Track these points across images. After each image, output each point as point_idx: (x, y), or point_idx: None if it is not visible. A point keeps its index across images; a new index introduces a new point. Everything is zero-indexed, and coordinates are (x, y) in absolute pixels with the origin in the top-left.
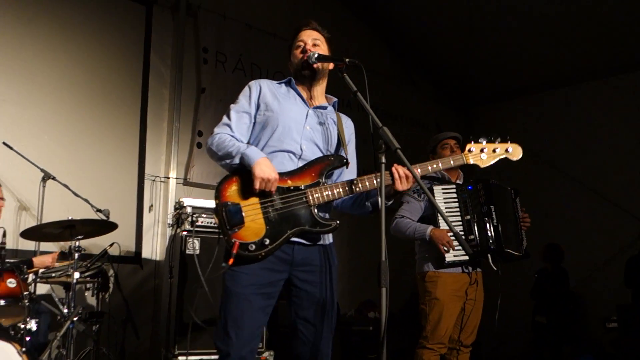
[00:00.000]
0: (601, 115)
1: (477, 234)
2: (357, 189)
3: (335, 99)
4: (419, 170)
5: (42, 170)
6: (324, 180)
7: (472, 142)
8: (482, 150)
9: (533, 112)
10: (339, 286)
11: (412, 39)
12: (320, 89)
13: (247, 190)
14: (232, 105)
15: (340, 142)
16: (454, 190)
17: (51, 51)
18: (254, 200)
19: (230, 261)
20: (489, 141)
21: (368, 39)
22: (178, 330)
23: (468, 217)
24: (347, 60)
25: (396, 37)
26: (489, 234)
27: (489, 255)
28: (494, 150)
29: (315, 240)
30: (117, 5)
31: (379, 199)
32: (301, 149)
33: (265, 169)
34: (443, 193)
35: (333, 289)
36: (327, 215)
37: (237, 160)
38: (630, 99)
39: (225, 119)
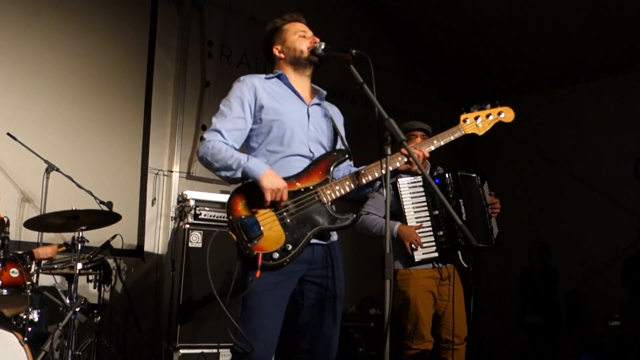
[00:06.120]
0: (604, 113)
1: (445, 230)
2: (366, 179)
3: (324, 92)
4: (425, 148)
5: (45, 161)
6: (331, 176)
7: (465, 112)
8: (476, 119)
9: (537, 109)
10: None
11: (417, 34)
12: (310, 80)
13: (258, 201)
14: (222, 108)
15: (337, 135)
16: (421, 184)
17: (56, 43)
18: (267, 209)
19: (258, 274)
20: (481, 108)
21: (372, 33)
22: (180, 322)
23: (436, 212)
24: (353, 51)
25: (401, 32)
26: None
27: (458, 251)
28: (487, 117)
29: (328, 238)
30: None
31: (384, 190)
32: (310, 151)
33: (273, 180)
34: (409, 187)
35: (342, 284)
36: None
37: (239, 174)
38: (632, 97)
39: (215, 123)
